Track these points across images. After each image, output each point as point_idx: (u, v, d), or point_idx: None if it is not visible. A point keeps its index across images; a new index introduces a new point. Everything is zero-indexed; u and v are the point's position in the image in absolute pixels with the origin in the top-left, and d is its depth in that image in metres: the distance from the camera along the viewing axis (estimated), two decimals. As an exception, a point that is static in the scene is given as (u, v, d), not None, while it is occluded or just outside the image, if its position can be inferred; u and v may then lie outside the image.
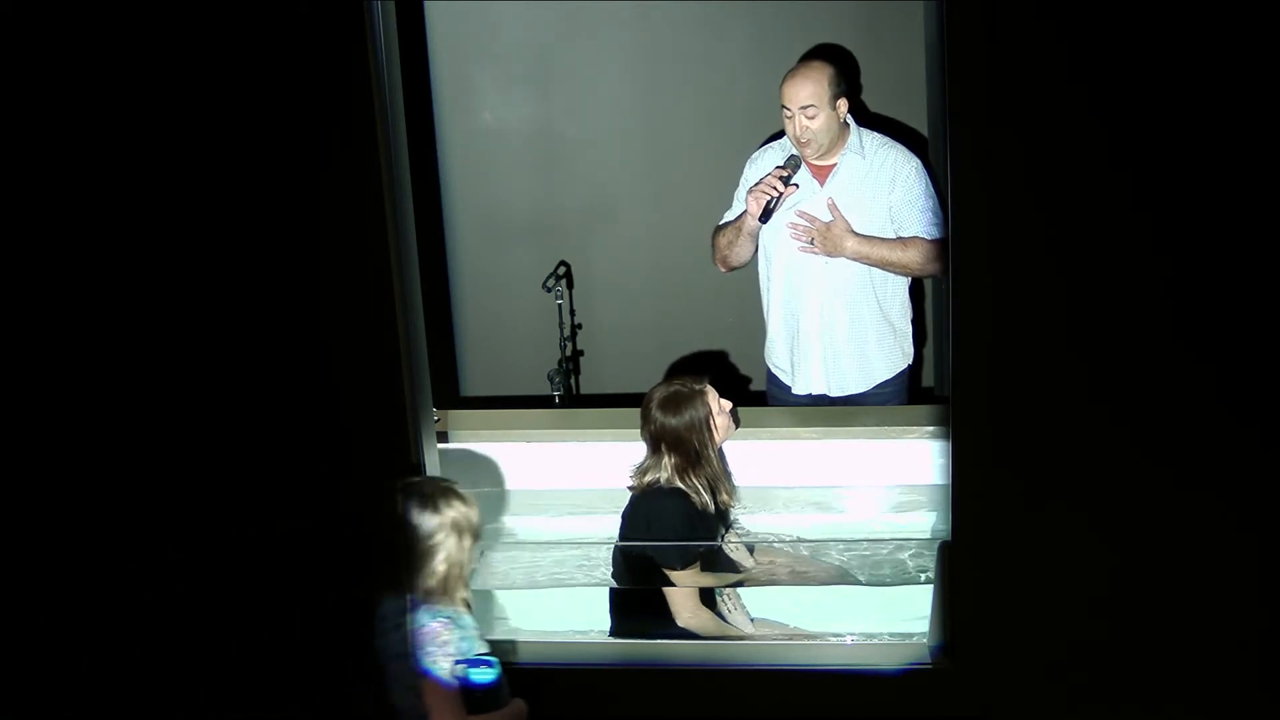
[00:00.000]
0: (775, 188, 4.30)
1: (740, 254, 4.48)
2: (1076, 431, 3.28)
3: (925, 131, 4.91)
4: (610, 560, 3.96)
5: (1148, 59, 3.03)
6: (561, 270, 5.17)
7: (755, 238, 4.43)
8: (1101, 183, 3.12)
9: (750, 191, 4.35)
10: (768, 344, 4.61)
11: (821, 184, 4.37)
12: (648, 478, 3.90)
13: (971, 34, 3.04)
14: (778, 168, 4.35)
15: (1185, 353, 3.21)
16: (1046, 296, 3.20)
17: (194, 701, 3.69)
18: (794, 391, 4.53)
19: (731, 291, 5.34)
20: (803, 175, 4.37)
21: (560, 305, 5.05)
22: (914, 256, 4.30)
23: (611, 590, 3.95)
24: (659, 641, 3.82)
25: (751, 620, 3.96)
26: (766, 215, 4.33)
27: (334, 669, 3.64)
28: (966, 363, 3.26)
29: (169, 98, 3.24)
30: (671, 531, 3.85)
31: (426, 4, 5.13)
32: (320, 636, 3.62)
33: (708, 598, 3.91)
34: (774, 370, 4.62)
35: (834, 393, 4.47)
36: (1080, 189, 3.12)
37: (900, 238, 4.32)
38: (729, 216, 4.53)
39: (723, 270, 4.59)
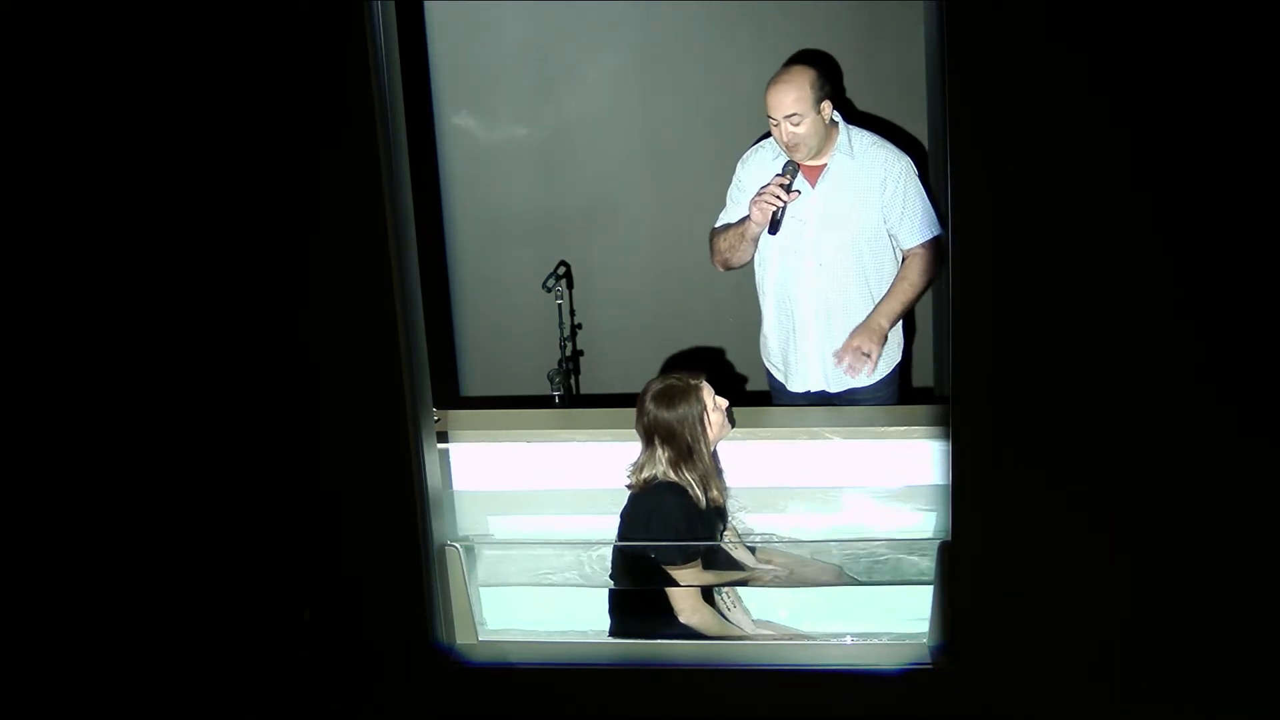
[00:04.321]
0: (779, 197, 4.29)
1: (741, 256, 4.50)
2: (1077, 431, 3.28)
3: (925, 131, 4.92)
4: (610, 560, 3.96)
5: (1149, 57, 3.03)
6: (561, 270, 5.17)
7: (757, 241, 4.43)
8: (1102, 182, 3.12)
9: (754, 201, 4.34)
10: (762, 342, 4.62)
11: (813, 185, 4.37)
12: (644, 474, 3.90)
13: (971, 34, 3.04)
14: (778, 176, 4.34)
15: (1187, 352, 3.21)
16: (1047, 296, 3.20)
17: (192, 702, 3.69)
18: (790, 389, 4.54)
19: (731, 292, 5.34)
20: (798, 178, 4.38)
21: (560, 305, 5.05)
22: (917, 274, 4.34)
23: (611, 590, 3.95)
24: (659, 641, 3.82)
25: (752, 620, 3.97)
26: (775, 227, 4.32)
27: (331, 668, 3.64)
28: (966, 363, 3.26)
29: (169, 98, 3.24)
30: (672, 527, 3.85)
31: (426, 4, 5.13)
32: (320, 636, 3.62)
33: (707, 597, 3.91)
34: (769, 368, 4.64)
35: (834, 388, 4.48)
36: (1081, 188, 3.12)
37: (901, 271, 4.36)
38: (726, 219, 4.53)
39: (721, 270, 4.59)
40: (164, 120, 3.26)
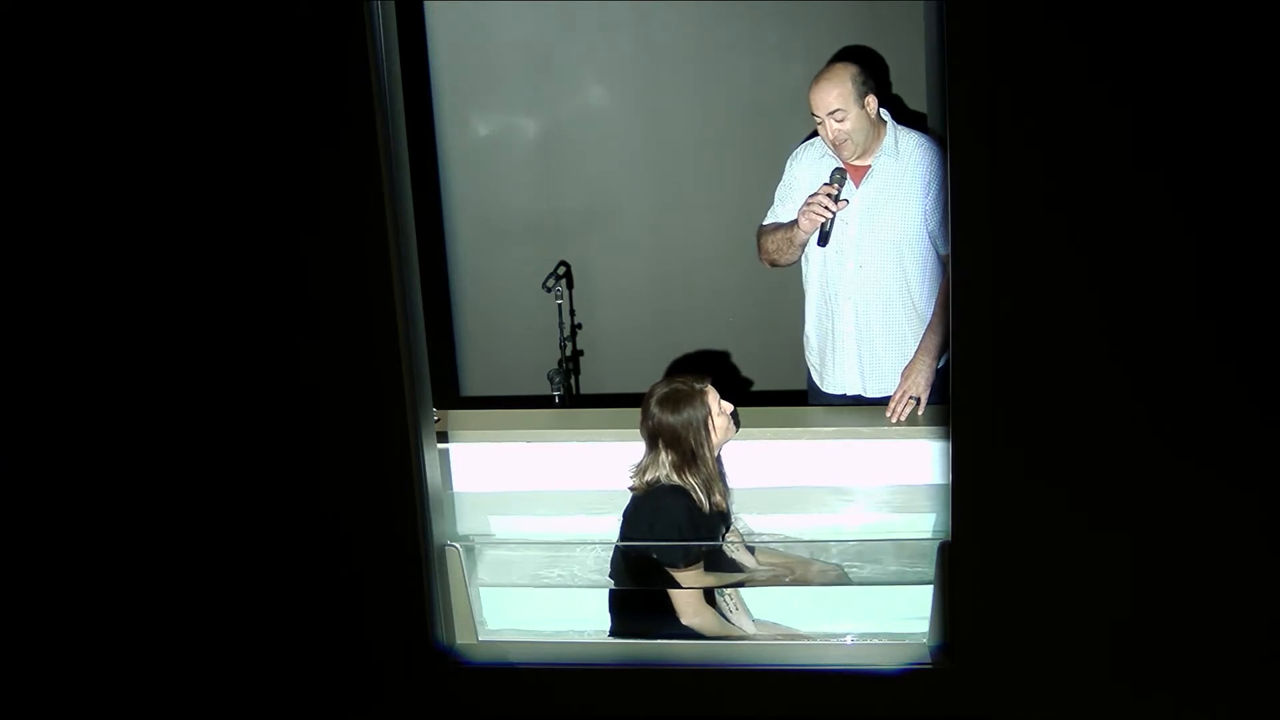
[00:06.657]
0: (828, 208, 4.23)
1: (789, 258, 4.43)
2: (1077, 431, 3.28)
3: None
4: (610, 560, 3.96)
5: (1151, 57, 3.03)
6: (561, 270, 5.17)
7: (805, 246, 4.39)
8: (1103, 181, 3.12)
9: (802, 211, 4.28)
10: (805, 339, 4.59)
11: (857, 186, 4.33)
12: (648, 476, 3.90)
13: (972, 33, 3.04)
14: (825, 185, 4.27)
15: (1188, 350, 3.21)
16: (1047, 296, 3.19)
17: (193, 702, 3.70)
18: (824, 390, 4.52)
19: (731, 292, 5.35)
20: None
21: (560, 305, 5.06)
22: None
23: (612, 590, 3.95)
24: (659, 641, 3.82)
25: (753, 620, 3.97)
26: (824, 239, 4.27)
27: (331, 668, 3.64)
28: (966, 362, 3.26)
29: (168, 98, 3.24)
30: (675, 530, 3.85)
31: (426, 4, 5.14)
32: (321, 637, 3.62)
33: (710, 599, 3.92)
34: (809, 366, 4.60)
35: (871, 394, 4.43)
36: (1081, 187, 3.12)
37: (940, 296, 4.28)
38: (774, 217, 4.47)
39: (769, 268, 4.53)
40: (164, 120, 3.26)
